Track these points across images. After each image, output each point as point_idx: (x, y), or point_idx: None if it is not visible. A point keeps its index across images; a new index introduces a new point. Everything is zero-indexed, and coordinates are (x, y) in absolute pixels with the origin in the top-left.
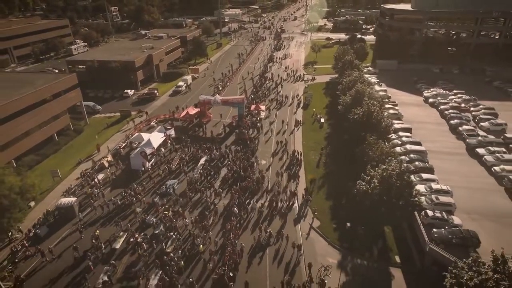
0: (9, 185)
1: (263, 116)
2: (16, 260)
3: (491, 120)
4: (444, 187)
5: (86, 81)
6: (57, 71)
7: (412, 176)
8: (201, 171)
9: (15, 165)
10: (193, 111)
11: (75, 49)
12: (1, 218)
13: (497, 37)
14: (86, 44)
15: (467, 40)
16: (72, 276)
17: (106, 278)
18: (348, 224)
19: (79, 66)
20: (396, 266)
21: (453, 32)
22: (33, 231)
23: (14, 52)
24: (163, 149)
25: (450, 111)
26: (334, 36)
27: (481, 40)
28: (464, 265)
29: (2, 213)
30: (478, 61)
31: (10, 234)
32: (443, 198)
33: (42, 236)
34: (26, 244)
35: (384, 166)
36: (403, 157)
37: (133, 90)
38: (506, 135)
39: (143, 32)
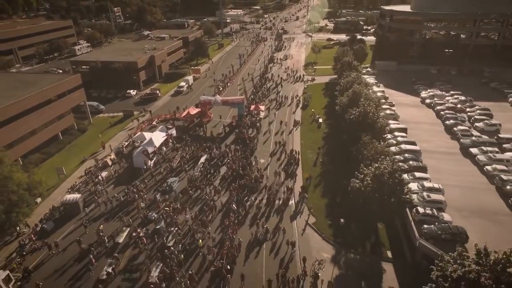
0: (17, 181)
1: (262, 116)
2: (24, 253)
3: (485, 121)
4: (436, 185)
5: (90, 81)
6: (61, 71)
7: (405, 175)
8: (201, 169)
9: (21, 163)
10: (194, 111)
11: (78, 49)
12: (10, 213)
13: (496, 38)
14: (89, 44)
15: (466, 41)
16: (77, 268)
17: (109, 270)
18: (342, 220)
19: (83, 67)
20: (388, 261)
21: (454, 33)
22: (39, 225)
23: (19, 52)
24: (164, 148)
25: (446, 111)
26: (335, 36)
27: (480, 41)
28: (449, 259)
29: (11, 207)
30: (477, 62)
31: (18, 228)
32: (434, 196)
33: (48, 231)
34: (33, 238)
35: (376, 165)
36: (397, 156)
37: (135, 90)
38: (499, 135)
39: (145, 33)
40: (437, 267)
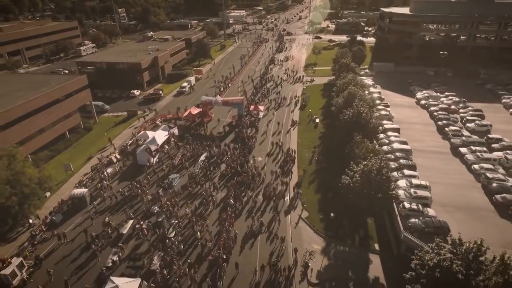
0: (29, 176)
1: (261, 116)
2: (35, 242)
3: (477, 121)
4: (423, 183)
5: (95, 82)
6: (67, 71)
7: (395, 172)
8: (201, 166)
9: (30, 159)
10: (195, 111)
11: (83, 50)
12: (23, 205)
13: (493, 40)
14: (94, 45)
15: (464, 43)
16: (84, 256)
17: (115, 258)
18: (332, 214)
19: (88, 67)
20: (375, 252)
21: (454, 35)
22: (49, 217)
23: (26, 53)
24: (166, 146)
25: (439, 112)
26: (337, 38)
27: (477, 43)
28: (428, 249)
29: (23, 200)
30: (474, 64)
31: (30, 220)
32: (420, 192)
33: (57, 222)
34: (44, 229)
35: (365, 162)
36: (389, 155)
37: (139, 91)
38: (489, 135)
39: (149, 34)
40: (416, 257)
